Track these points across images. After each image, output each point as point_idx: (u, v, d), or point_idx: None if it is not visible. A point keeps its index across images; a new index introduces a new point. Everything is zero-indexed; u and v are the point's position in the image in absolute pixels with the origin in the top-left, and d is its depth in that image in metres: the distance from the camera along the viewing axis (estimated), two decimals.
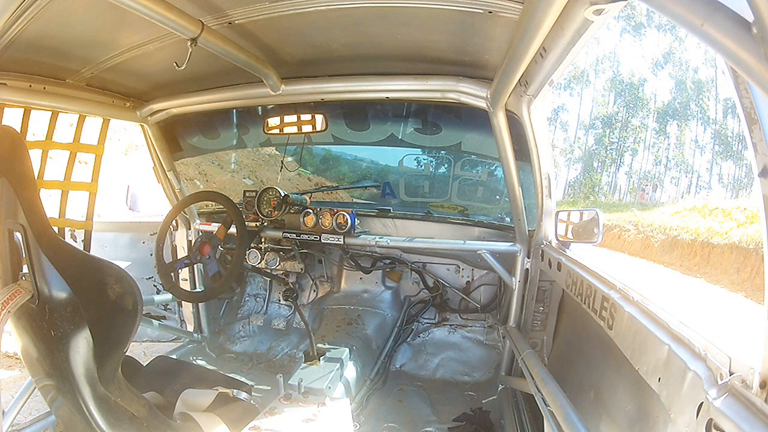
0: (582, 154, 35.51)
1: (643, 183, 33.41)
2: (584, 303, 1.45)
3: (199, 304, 2.88)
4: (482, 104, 1.87)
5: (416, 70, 1.93)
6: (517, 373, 2.27)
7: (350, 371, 2.17)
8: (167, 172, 2.64)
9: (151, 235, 2.94)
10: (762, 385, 0.68)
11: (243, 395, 1.55)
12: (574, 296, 1.57)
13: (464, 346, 2.79)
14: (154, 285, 2.92)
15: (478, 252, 2.25)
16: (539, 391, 1.56)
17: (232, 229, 2.11)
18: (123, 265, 2.50)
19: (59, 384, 1.15)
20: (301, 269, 2.75)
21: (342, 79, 2.02)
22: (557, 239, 1.99)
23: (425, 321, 2.88)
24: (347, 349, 2.22)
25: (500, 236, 2.46)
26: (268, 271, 2.69)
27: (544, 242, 2.06)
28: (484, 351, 2.75)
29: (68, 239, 2.27)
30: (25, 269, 1.09)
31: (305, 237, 2.50)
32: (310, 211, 2.52)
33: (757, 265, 10.10)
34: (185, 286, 2.82)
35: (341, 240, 2.43)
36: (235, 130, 2.89)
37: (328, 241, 2.46)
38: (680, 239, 13.37)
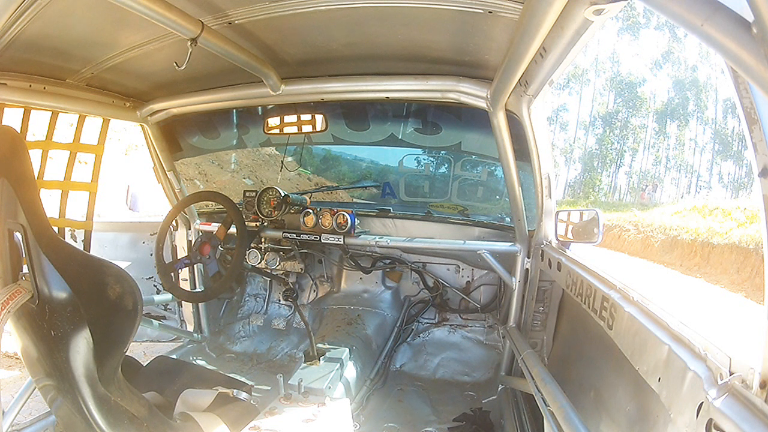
0: (582, 154, 35.50)
1: (643, 183, 33.42)
2: (584, 303, 1.45)
3: (199, 304, 2.88)
4: (482, 104, 1.87)
5: (416, 70, 1.92)
6: (517, 373, 2.27)
7: (350, 371, 2.17)
8: (167, 172, 2.64)
9: (151, 235, 2.94)
10: (762, 385, 0.68)
11: (243, 395, 1.55)
12: (574, 296, 1.57)
13: (464, 346, 2.79)
14: (154, 285, 2.92)
15: (478, 252, 2.25)
16: (539, 391, 1.55)
17: (232, 229, 2.11)
18: (123, 265, 2.50)
19: (59, 384, 1.15)
20: (301, 269, 2.75)
21: (342, 79, 2.02)
22: (557, 239, 1.99)
23: (425, 321, 2.88)
24: (347, 349, 2.22)
25: (500, 236, 2.46)
26: (268, 271, 2.69)
27: (544, 242, 2.06)
28: (484, 351, 2.75)
29: (68, 239, 2.27)
30: (25, 269, 1.09)
31: (305, 237, 2.50)
32: (310, 211, 2.51)
33: (757, 265, 10.09)
34: (185, 286, 2.82)
35: (341, 240, 2.43)
36: (235, 130, 2.89)
37: (328, 241, 2.46)
38: (680, 239, 13.36)
